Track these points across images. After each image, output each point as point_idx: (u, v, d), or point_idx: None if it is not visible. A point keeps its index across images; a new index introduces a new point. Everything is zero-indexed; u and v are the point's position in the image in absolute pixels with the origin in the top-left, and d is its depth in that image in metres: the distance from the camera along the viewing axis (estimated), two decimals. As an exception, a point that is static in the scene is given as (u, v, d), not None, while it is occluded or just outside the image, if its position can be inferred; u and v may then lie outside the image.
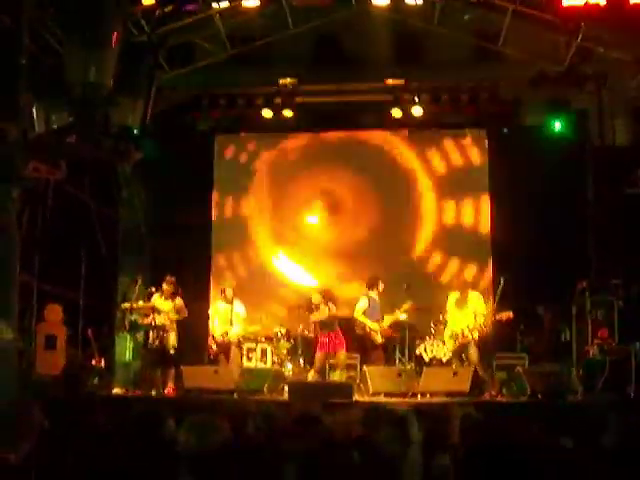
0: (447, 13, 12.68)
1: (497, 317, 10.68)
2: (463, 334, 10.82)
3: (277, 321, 12.61)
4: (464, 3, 12.26)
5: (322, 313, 11.09)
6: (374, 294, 11.45)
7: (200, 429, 3.57)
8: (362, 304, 11.36)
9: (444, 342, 11.27)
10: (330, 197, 14.12)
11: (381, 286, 11.44)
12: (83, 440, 4.30)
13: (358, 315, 11.32)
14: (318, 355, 11.06)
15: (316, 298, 11.22)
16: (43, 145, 9.60)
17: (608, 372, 9.95)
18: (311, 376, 11.09)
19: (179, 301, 11.30)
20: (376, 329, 11.26)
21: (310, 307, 11.34)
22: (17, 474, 3.64)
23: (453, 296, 11.21)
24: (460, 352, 10.96)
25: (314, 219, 14.10)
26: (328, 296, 11.25)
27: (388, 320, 11.33)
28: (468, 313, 10.90)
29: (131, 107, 10.78)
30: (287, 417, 4.60)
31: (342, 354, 11.04)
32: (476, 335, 10.78)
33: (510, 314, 10.67)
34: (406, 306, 11.29)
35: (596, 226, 12.41)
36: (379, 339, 11.28)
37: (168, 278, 11.35)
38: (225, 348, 11.40)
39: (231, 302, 11.63)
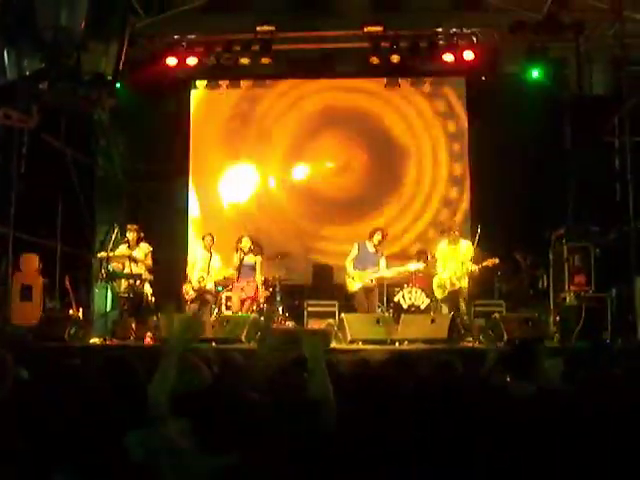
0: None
1: (483, 264, 10.62)
2: (451, 282, 10.76)
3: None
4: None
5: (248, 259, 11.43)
6: (369, 244, 11.29)
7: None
8: (352, 251, 11.32)
9: (422, 289, 11.19)
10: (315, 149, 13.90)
11: (377, 237, 11.24)
12: (59, 389, 4.09)
13: (346, 261, 11.29)
14: (235, 299, 11.32)
15: (245, 243, 11.43)
16: (14, 92, 9.17)
17: (584, 318, 9.90)
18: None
19: (146, 246, 11.23)
20: (355, 279, 11.17)
21: (237, 248, 11.47)
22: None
23: (443, 243, 11.12)
24: (450, 300, 10.90)
25: (300, 173, 13.85)
26: (255, 244, 11.57)
27: (380, 274, 11.18)
28: (457, 261, 10.80)
29: (104, 53, 10.29)
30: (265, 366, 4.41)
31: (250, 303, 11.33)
32: (465, 283, 10.75)
33: (496, 260, 10.65)
34: (408, 267, 11.29)
35: (574, 174, 12.27)
36: (352, 287, 11.21)
37: (129, 226, 11.34)
38: (202, 295, 11.35)
39: (209, 250, 11.57)
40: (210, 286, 11.44)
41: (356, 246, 11.30)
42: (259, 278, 11.54)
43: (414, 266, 11.30)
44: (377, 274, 11.16)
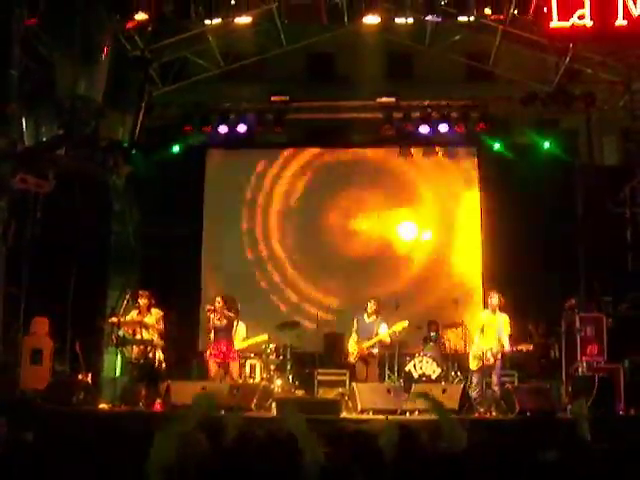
0: (438, 33, 12.67)
1: (518, 347, 10.53)
2: (486, 356, 10.52)
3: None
4: (454, 24, 12.23)
5: (220, 320, 11.11)
6: (364, 315, 11.33)
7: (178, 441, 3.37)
8: (354, 325, 11.38)
9: (433, 358, 11.10)
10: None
11: (370, 307, 11.27)
12: (66, 453, 4.07)
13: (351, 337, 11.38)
14: (211, 364, 11.08)
15: (219, 302, 11.20)
16: (32, 157, 9.40)
17: (597, 389, 9.76)
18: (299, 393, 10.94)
19: (157, 312, 11.16)
20: (352, 351, 11.24)
21: (212, 309, 11.24)
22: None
23: (484, 313, 10.99)
24: (482, 374, 10.62)
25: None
26: (229, 304, 11.26)
27: (373, 340, 11.13)
28: (493, 335, 10.58)
29: (121, 121, 10.62)
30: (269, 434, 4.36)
31: (234, 365, 11.07)
32: (499, 358, 10.55)
33: (530, 346, 10.59)
34: (396, 327, 11.09)
35: (585, 244, 12.28)
36: (352, 360, 11.25)
37: (141, 292, 11.26)
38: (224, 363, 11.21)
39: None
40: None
41: (355, 320, 11.39)
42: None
43: (400, 325, 11.13)
44: (371, 341, 11.11)
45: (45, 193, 10.10)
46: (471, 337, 11.08)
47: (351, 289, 13.44)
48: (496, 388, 10.54)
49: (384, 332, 11.13)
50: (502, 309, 10.70)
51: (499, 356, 10.52)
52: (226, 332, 11.17)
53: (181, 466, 3.25)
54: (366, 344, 11.13)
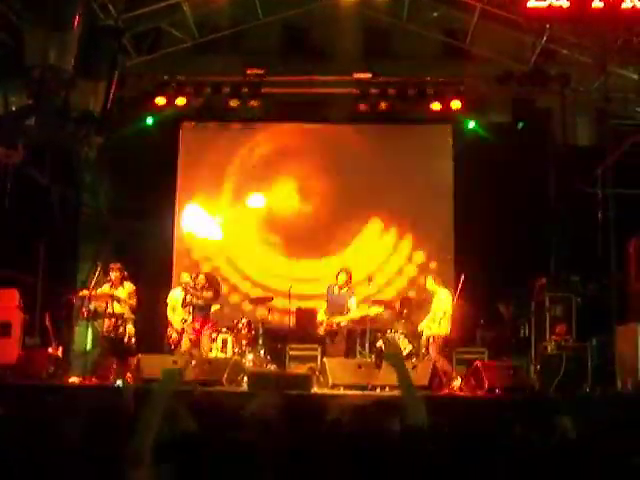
0: (415, 10, 12.62)
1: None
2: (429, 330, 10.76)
3: (239, 311, 12.57)
4: (432, 0, 12.12)
5: (196, 299, 11.10)
6: (335, 287, 11.35)
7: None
8: (327, 296, 11.40)
9: (405, 335, 11.15)
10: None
11: (340, 278, 11.29)
12: (34, 428, 4.03)
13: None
14: (184, 339, 11.06)
15: (201, 280, 11.21)
16: (0, 127, 9.20)
17: (564, 368, 9.89)
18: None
19: (130, 286, 11.07)
20: (320, 320, 11.31)
21: (188, 288, 11.20)
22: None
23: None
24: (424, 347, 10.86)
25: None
26: (210, 284, 11.25)
27: (358, 313, 11.19)
28: (435, 309, 10.82)
29: (93, 92, 10.41)
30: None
31: (205, 339, 11.01)
32: (441, 330, 10.69)
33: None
34: (370, 311, 11.17)
35: (556, 224, 12.35)
36: (320, 332, 11.30)
37: (112, 265, 11.12)
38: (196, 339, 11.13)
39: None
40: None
41: (327, 290, 11.42)
42: None
43: (374, 310, 11.24)
44: (342, 317, 11.17)
45: (14, 163, 9.92)
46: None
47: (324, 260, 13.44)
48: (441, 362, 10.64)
49: (354, 309, 11.18)
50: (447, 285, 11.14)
51: (441, 325, 10.71)
52: (200, 310, 11.10)
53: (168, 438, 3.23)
54: (336, 319, 11.17)
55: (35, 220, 11.66)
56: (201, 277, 11.31)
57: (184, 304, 11.25)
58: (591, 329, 10.69)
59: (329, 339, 11.21)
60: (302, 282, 13.01)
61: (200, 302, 11.11)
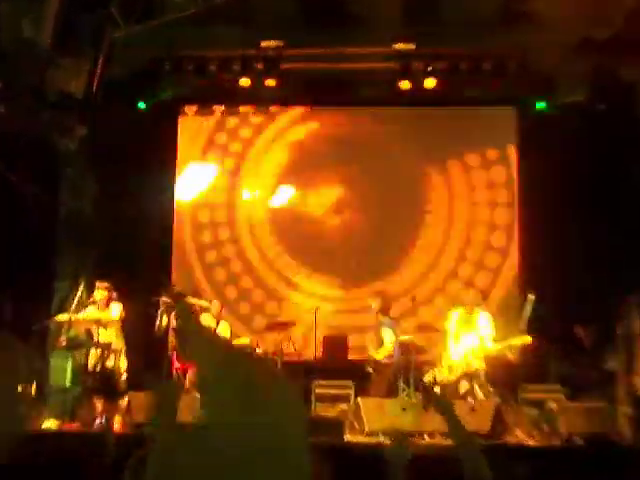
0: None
1: (511, 342, 10.47)
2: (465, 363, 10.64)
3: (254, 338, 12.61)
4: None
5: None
6: (384, 318, 11.53)
7: None
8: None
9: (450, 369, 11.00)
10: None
11: (375, 305, 11.56)
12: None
13: None
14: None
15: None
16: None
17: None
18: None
19: (119, 308, 11.04)
20: (371, 357, 11.45)
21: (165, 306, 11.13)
22: None
23: (456, 314, 11.05)
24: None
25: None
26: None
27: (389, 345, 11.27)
28: (473, 337, 10.71)
29: (75, 71, 10.42)
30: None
31: (191, 373, 10.96)
32: (482, 365, 10.56)
33: (528, 338, 10.42)
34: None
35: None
36: (368, 369, 11.45)
37: (98, 284, 11.10)
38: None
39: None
40: None
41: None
42: None
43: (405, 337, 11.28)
44: (379, 353, 11.36)
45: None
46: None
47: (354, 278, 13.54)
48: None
49: (388, 340, 11.30)
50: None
51: (481, 362, 10.61)
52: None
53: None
54: (373, 354, 11.38)
55: (2, 227, 11.60)
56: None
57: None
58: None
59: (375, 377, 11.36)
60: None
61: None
